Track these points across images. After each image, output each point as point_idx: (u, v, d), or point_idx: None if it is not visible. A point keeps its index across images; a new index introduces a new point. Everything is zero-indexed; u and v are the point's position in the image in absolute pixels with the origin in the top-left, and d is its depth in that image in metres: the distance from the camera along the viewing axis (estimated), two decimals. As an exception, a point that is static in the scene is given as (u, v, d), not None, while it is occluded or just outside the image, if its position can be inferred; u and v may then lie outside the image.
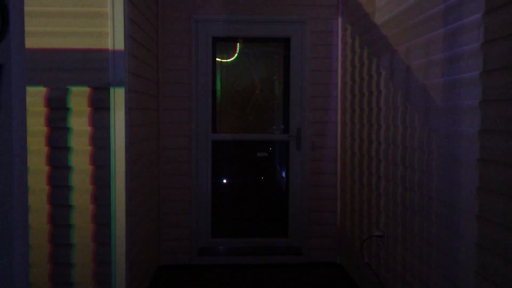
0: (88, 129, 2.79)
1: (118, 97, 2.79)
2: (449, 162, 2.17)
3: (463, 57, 2.04)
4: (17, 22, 1.26)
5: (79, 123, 2.78)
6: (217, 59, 4.40)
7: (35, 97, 2.74)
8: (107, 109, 2.79)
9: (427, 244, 2.41)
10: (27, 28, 2.66)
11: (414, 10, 2.57)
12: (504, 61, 1.73)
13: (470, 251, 1.97)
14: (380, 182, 3.15)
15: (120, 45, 2.77)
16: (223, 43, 4.43)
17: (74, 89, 2.77)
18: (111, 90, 2.78)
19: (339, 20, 4.21)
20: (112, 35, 2.76)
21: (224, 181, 4.54)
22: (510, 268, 1.68)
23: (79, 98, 2.78)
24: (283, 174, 4.49)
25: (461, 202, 2.06)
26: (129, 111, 2.90)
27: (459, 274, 2.07)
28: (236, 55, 4.27)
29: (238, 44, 4.33)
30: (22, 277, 1.29)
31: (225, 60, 4.30)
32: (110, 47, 2.77)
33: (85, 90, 2.78)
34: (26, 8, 2.65)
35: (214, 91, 4.35)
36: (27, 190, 1.31)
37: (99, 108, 2.79)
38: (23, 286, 1.30)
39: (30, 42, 2.72)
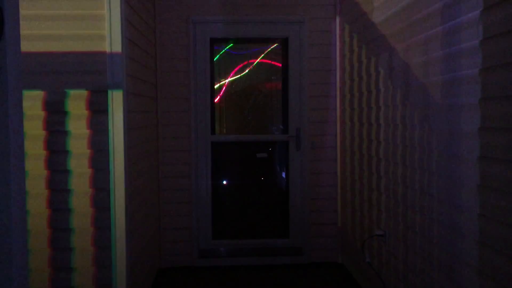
0: (86, 132, 2.77)
1: (116, 99, 2.77)
2: (449, 160, 2.17)
3: (462, 54, 2.03)
4: (13, 26, 1.25)
5: (78, 127, 2.77)
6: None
7: (33, 101, 2.73)
8: (106, 112, 2.78)
9: (429, 242, 2.40)
10: (24, 31, 2.66)
11: (412, 8, 2.57)
12: (503, 58, 1.72)
13: (472, 249, 1.96)
14: (380, 181, 3.15)
15: (117, 47, 2.76)
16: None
17: (72, 92, 2.76)
18: (109, 93, 2.77)
19: (337, 19, 4.20)
20: (109, 38, 2.75)
21: (224, 182, 4.53)
22: (513, 266, 1.67)
23: (77, 101, 2.76)
24: (283, 175, 4.48)
25: (462, 200, 2.05)
26: (127, 113, 2.89)
27: (462, 272, 2.06)
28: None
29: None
30: (22, 282, 1.28)
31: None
32: (107, 49, 2.76)
33: (83, 93, 2.77)
34: (23, 12, 2.66)
35: (212, 93, 4.34)
36: (25, 194, 1.30)
37: (98, 111, 2.78)
38: (23, 292, 1.29)
39: (27, 46, 2.70)
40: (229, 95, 4.50)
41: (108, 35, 2.75)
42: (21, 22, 1.33)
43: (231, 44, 4.29)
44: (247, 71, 4.38)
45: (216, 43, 4.35)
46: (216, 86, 4.38)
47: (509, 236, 1.69)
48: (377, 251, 3.23)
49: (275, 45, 4.41)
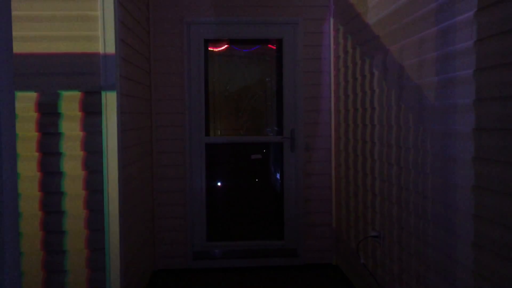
0: (80, 134, 2.75)
1: (110, 101, 2.76)
2: (444, 161, 2.17)
3: (457, 55, 2.03)
4: (4, 27, 1.23)
5: (71, 128, 2.75)
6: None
7: (26, 102, 2.71)
8: (99, 113, 2.76)
9: (424, 243, 2.40)
10: (17, 32, 2.64)
11: (407, 9, 2.57)
12: (498, 58, 1.73)
13: (467, 250, 1.96)
14: (375, 182, 3.15)
15: (111, 48, 2.74)
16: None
17: (65, 93, 2.74)
18: (103, 94, 2.75)
19: (331, 20, 4.20)
20: (103, 39, 2.74)
21: (219, 184, 4.52)
22: (508, 267, 1.67)
23: (70, 102, 2.74)
24: (278, 176, 4.47)
25: (457, 201, 2.05)
26: (121, 115, 2.87)
27: (457, 273, 2.06)
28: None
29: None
30: (14, 284, 1.27)
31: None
32: (101, 50, 2.74)
33: (77, 94, 2.75)
34: (16, 13, 2.64)
35: (206, 94, 4.33)
36: (17, 196, 1.29)
37: (91, 112, 2.76)
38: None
39: (20, 47, 2.69)
40: (223, 96, 4.49)
41: (101, 36, 2.74)
42: (14, 23, 1.32)
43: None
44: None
45: (210, 44, 4.34)
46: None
47: (504, 237, 1.69)
48: (372, 252, 3.23)
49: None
